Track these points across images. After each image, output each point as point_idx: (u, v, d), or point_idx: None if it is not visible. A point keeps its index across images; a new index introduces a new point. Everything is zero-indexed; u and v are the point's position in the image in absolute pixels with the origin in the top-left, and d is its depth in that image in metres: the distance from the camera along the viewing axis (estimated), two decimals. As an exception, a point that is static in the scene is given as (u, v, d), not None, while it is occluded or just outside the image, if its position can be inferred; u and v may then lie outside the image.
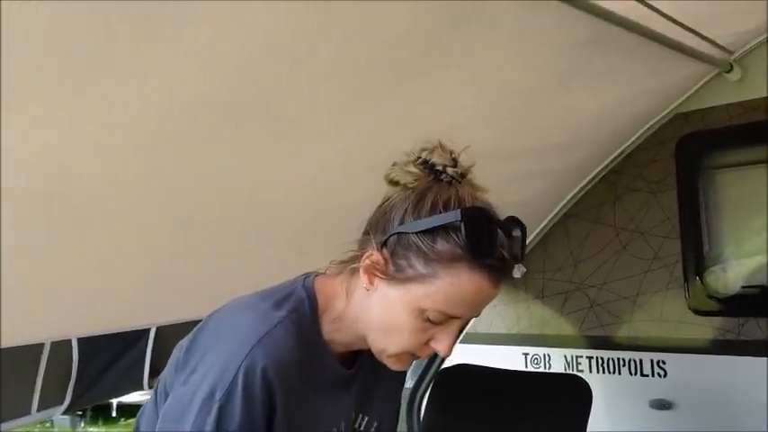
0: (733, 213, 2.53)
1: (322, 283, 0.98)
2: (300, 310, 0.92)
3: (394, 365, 0.94)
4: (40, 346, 1.50)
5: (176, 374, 0.92)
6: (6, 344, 1.40)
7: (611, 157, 2.67)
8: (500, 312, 3.03)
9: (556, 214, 2.84)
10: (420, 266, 0.87)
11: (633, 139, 2.62)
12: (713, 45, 2.11)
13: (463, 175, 0.92)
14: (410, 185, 0.90)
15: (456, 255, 0.86)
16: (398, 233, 0.88)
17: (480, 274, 0.87)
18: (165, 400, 0.94)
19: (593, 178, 2.74)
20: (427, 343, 0.91)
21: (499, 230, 0.89)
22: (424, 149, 0.93)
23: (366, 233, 0.94)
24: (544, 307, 2.90)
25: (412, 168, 0.91)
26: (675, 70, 2.21)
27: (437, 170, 0.91)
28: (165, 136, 1.18)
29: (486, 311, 3.02)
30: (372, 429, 1.08)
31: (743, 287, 2.44)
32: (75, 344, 1.55)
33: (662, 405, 2.55)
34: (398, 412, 1.18)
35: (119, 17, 0.87)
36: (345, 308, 0.95)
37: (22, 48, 0.83)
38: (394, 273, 0.88)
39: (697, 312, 2.48)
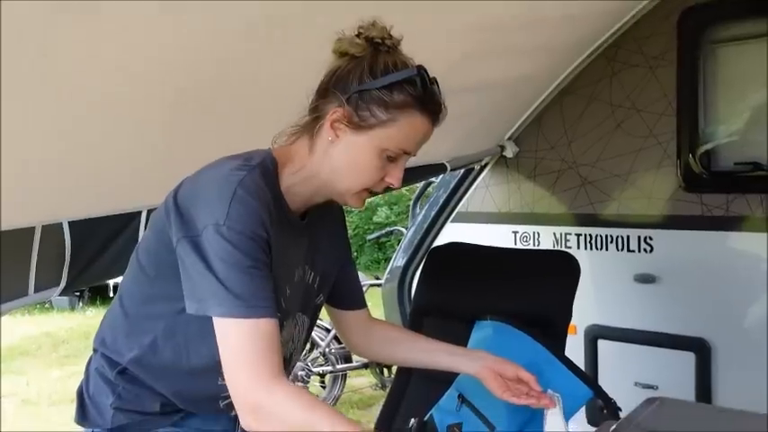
0: (731, 90, 2.49)
1: (278, 150, 1.15)
2: (264, 165, 1.09)
3: (355, 203, 1.14)
4: (32, 229, 1.48)
5: (173, 233, 1.05)
6: (-4, 228, 1.38)
7: (612, 30, 2.57)
8: (491, 192, 3.04)
9: (551, 92, 2.77)
10: (381, 114, 1.06)
11: (635, 11, 2.51)
12: None
13: (396, 45, 1.10)
14: (357, 55, 1.08)
15: (410, 102, 1.07)
16: (360, 90, 1.06)
17: (427, 117, 1.09)
18: (147, 258, 1.12)
19: (592, 53, 2.65)
20: (382, 179, 1.12)
21: (436, 86, 1.11)
22: (361, 27, 1.09)
23: (320, 98, 1.11)
24: (535, 186, 2.91)
25: (357, 41, 1.08)
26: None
27: (377, 42, 1.08)
28: (155, 16, 1.11)
29: (477, 191, 3.06)
30: (316, 283, 1.26)
31: (735, 164, 2.44)
32: (66, 227, 1.54)
33: (646, 279, 2.63)
34: (350, 267, 1.39)
35: None
36: (308, 162, 1.12)
37: None
38: (359, 122, 1.07)
39: (688, 189, 2.50)
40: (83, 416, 1.20)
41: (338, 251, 1.35)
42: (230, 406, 1.19)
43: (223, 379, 1.14)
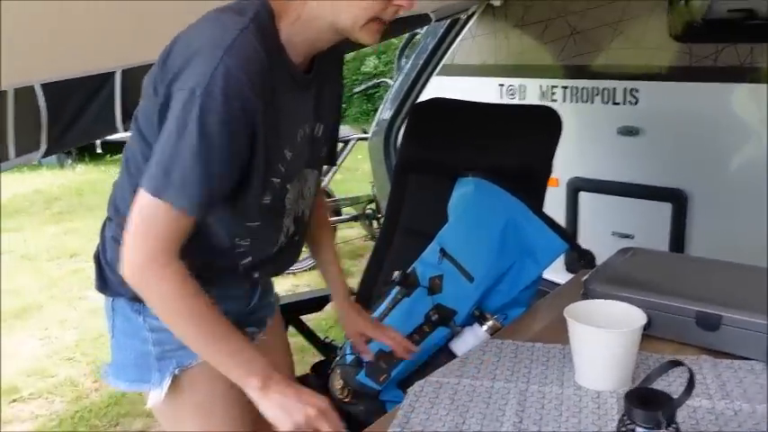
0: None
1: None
2: (260, 17, 1.02)
3: (368, 37, 1.06)
4: (4, 93, 1.45)
5: (155, 98, 1.02)
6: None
7: None
8: (478, 43, 2.96)
9: (542, -67, 2.62)
10: None
11: None
12: None
13: None
14: None
15: None
16: None
17: None
18: (146, 125, 1.07)
19: None
20: (389, 2, 1.03)
21: None
22: None
23: None
24: (523, 36, 2.83)
25: None
26: None
27: None
28: None
29: (463, 42, 2.97)
30: (323, 135, 1.24)
31: (729, 11, 2.36)
32: (38, 90, 1.51)
33: (629, 131, 2.64)
34: (339, 122, 1.37)
35: None
36: (303, 10, 1.05)
37: None
38: None
39: (678, 38, 2.44)
40: (103, 284, 1.21)
41: (339, 101, 1.32)
42: (249, 269, 1.22)
43: (240, 246, 1.16)
